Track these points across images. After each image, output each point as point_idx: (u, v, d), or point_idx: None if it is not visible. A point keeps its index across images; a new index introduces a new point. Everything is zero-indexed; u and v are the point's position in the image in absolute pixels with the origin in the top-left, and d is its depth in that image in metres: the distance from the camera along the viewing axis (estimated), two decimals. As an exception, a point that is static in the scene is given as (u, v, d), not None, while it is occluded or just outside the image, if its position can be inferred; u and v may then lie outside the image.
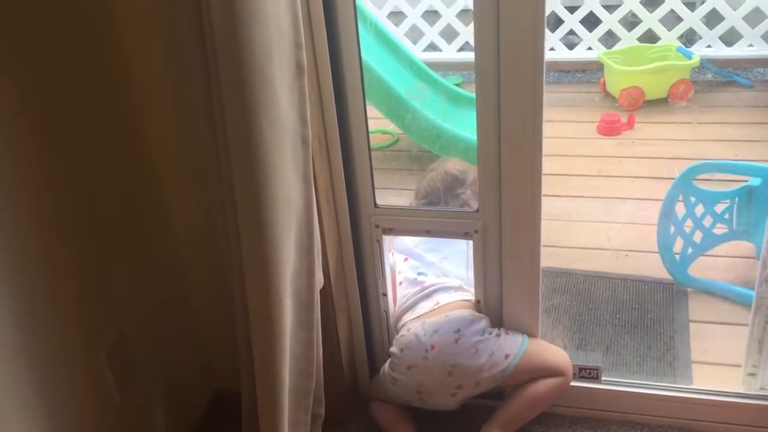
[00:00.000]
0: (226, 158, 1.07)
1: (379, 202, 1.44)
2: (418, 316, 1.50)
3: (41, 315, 1.09)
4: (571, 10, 3.44)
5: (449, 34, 3.62)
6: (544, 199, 1.35)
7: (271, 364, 1.18)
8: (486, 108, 1.28)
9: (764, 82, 3.23)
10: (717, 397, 1.47)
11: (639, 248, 2.13)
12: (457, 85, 3.16)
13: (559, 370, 1.45)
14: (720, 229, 1.95)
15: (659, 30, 3.36)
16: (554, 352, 1.47)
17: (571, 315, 1.88)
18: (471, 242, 1.42)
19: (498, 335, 1.45)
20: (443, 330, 1.44)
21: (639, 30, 3.38)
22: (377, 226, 1.45)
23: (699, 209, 1.92)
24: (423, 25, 3.62)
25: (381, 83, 2.57)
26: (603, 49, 3.44)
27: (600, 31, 3.45)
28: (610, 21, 3.41)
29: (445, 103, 2.99)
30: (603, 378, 1.52)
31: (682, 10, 3.31)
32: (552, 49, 3.53)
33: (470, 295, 1.52)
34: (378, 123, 2.82)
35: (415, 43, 3.66)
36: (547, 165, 1.34)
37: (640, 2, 3.33)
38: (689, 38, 3.45)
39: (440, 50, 3.66)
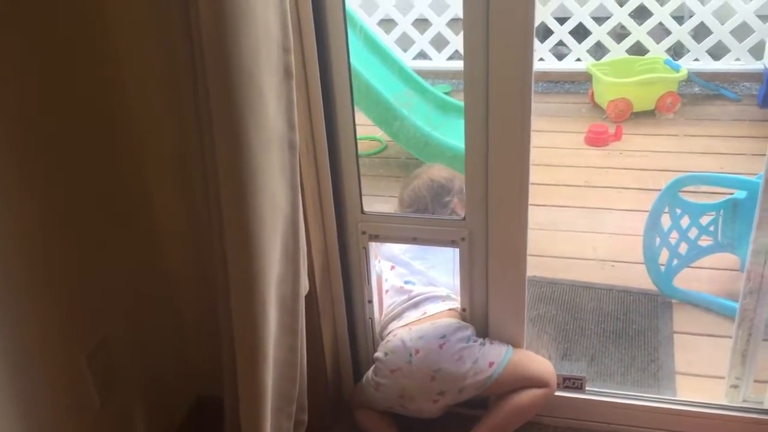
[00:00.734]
0: (212, 162, 1.06)
1: (366, 208, 1.44)
2: (405, 324, 1.50)
3: (21, 319, 1.08)
4: (561, 21, 3.46)
5: (439, 43, 3.63)
6: (531, 209, 1.35)
7: (254, 370, 1.17)
8: (474, 117, 1.29)
9: (750, 96, 3.26)
10: (700, 409, 1.48)
11: (625, 259, 2.14)
12: (446, 93, 3.17)
13: (543, 380, 1.45)
14: (705, 241, 1.96)
15: (648, 42, 3.38)
16: (539, 362, 1.47)
17: (557, 324, 1.89)
18: (457, 250, 1.42)
19: (483, 344, 1.45)
20: (428, 336, 1.44)
21: (628, 42, 3.41)
22: (364, 233, 1.44)
23: (684, 221, 1.93)
24: (413, 33, 3.62)
25: (370, 89, 2.57)
26: (592, 60, 3.46)
27: (589, 42, 3.47)
28: (599, 33, 3.43)
29: (433, 111, 2.99)
30: (587, 388, 1.52)
31: (671, 24, 3.34)
32: (541, 59, 3.54)
33: (457, 304, 1.52)
34: (366, 130, 2.82)
35: (405, 50, 3.67)
36: (535, 175, 1.34)
37: (629, 15, 3.36)
38: (677, 51, 3.47)
39: (430, 58, 3.67)
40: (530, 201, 1.34)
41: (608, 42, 3.44)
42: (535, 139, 1.30)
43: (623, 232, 2.27)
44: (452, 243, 1.41)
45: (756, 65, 3.29)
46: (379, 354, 1.49)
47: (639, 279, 2.00)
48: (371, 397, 1.50)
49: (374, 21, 3.62)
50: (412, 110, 2.74)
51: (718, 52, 3.38)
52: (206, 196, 1.12)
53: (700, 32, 3.36)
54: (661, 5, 3.32)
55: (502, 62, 1.22)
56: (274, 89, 1.06)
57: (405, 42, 3.67)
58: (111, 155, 1.26)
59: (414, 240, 1.44)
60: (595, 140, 2.91)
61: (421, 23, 3.61)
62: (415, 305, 1.53)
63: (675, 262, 1.95)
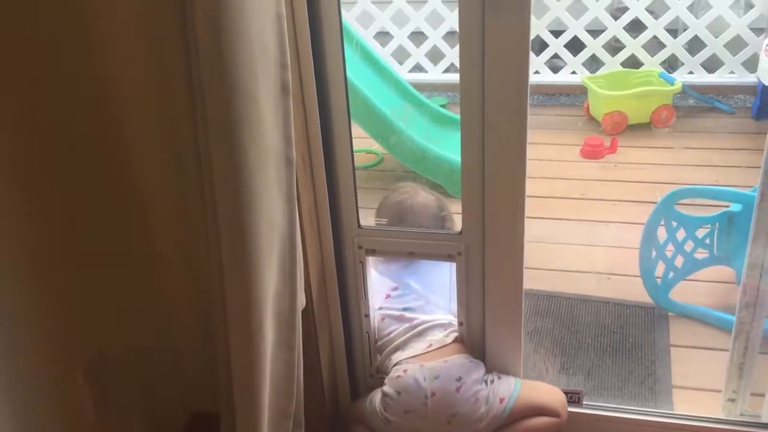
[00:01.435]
0: (209, 177, 1.06)
1: (362, 221, 1.44)
2: (413, 357, 1.47)
3: (18, 331, 1.07)
4: (556, 34, 3.47)
5: (435, 56, 3.64)
6: (527, 222, 1.35)
7: (250, 385, 1.17)
8: (471, 129, 1.29)
9: (745, 108, 3.28)
10: (697, 423, 1.47)
11: (621, 272, 2.14)
12: (442, 106, 3.18)
13: (553, 410, 1.44)
14: (701, 254, 1.96)
15: (642, 56, 3.40)
16: (548, 392, 1.47)
17: (553, 338, 1.88)
18: (454, 265, 1.42)
19: (492, 381, 1.45)
20: (444, 377, 1.42)
21: (622, 55, 3.42)
22: (360, 247, 1.44)
23: (680, 234, 1.93)
24: (409, 46, 3.64)
25: (367, 103, 2.58)
26: (587, 73, 3.48)
27: (584, 55, 3.49)
28: (594, 46, 3.45)
29: (430, 124, 3.00)
30: (584, 402, 1.52)
31: (665, 37, 3.36)
32: (537, 72, 3.55)
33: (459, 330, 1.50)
34: (363, 142, 2.82)
35: (401, 63, 3.68)
36: (531, 187, 1.34)
37: (624, 28, 3.38)
38: (672, 64, 3.49)
39: (426, 71, 3.68)
40: (526, 213, 1.35)
41: (603, 55, 3.46)
42: (531, 152, 1.30)
43: (619, 245, 2.27)
44: (449, 257, 1.42)
45: (750, 78, 3.31)
46: (389, 390, 1.45)
47: (635, 292, 2.00)
48: (377, 428, 1.48)
49: (370, 34, 3.63)
50: (409, 124, 2.74)
51: (712, 65, 3.40)
52: (203, 212, 1.12)
53: (695, 45, 3.38)
54: (656, 19, 3.34)
55: (497, 75, 1.23)
56: (271, 105, 1.06)
57: (401, 55, 3.69)
58: (107, 170, 1.26)
59: (411, 254, 1.44)
60: (591, 153, 2.92)
61: (417, 36, 3.62)
62: (419, 335, 1.51)
63: (671, 274, 1.95)
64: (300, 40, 1.24)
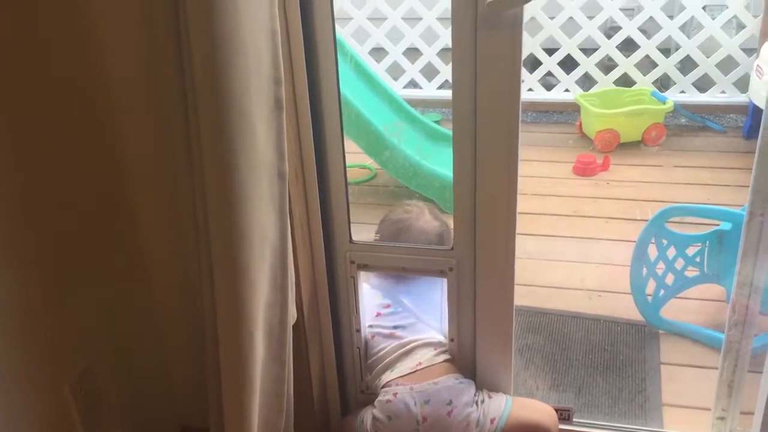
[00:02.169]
0: (201, 190, 1.07)
1: (355, 237, 1.44)
2: (401, 376, 1.46)
3: (4, 347, 1.07)
4: (550, 52, 3.50)
5: (430, 72, 3.67)
6: (518, 238, 1.36)
7: (240, 400, 1.16)
8: (463, 146, 1.30)
9: (736, 128, 3.31)
10: (687, 441, 1.48)
11: (612, 289, 2.15)
12: (436, 122, 3.19)
13: (545, 428, 1.44)
14: (691, 272, 1.97)
15: (635, 74, 3.43)
16: (539, 410, 1.47)
17: (544, 355, 1.89)
18: (445, 281, 1.42)
19: (482, 401, 1.44)
20: (435, 401, 1.41)
21: (615, 73, 3.45)
22: (352, 262, 1.45)
23: (671, 252, 1.94)
24: (404, 62, 3.66)
25: (360, 118, 2.59)
26: (580, 91, 3.50)
27: (577, 73, 3.52)
28: (587, 64, 3.48)
29: (423, 140, 3.01)
30: (575, 419, 1.52)
31: (657, 56, 3.39)
32: (530, 89, 3.58)
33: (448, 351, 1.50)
34: (356, 158, 2.83)
35: (395, 79, 3.70)
36: (523, 204, 1.35)
37: (617, 47, 3.41)
38: (664, 83, 3.52)
39: (420, 87, 3.71)
40: (518, 230, 1.35)
41: (596, 73, 3.49)
42: (524, 169, 1.31)
43: (611, 262, 2.28)
44: (440, 273, 1.42)
45: (741, 98, 3.34)
46: (380, 415, 1.44)
47: (626, 309, 2.01)
48: None
49: (365, 50, 3.65)
50: (402, 139, 2.75)
51: (703, 84, 3.43)
52: (195, 225, 1.13)
53: (687, 65, 3.42)
54: (648, 38, 3.37)
55: (490, 92, 1.24)
56: (265, 120, 1.07)
57: (396, 71, 3.71)
58: (96, 180, 1.26)
59: (403, 270, 1.44)
60: (583, 170, 2.94)
61: (412, 52, 3.65)
62: (408, 353, 1.49)
63: (662, 292, 1.96)
64: (294, 55, 1.25)
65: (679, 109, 3.27)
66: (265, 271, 1.15)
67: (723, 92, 3.40)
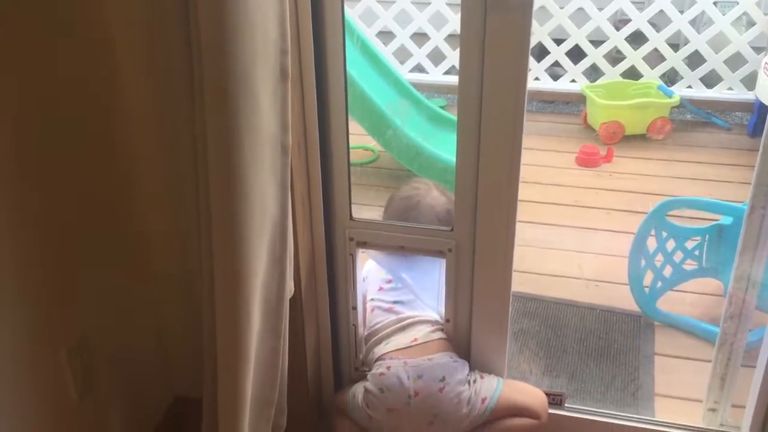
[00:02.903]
0: (203, 160, 1.07)
1: (355, 215, 1.44)
2: (395, 350, 1.48)
3: (1, 311, 1.07)
4: (558, 42, 3.49)
5: (437, 57, 3.65)
6: (519, 225, 1.36)
7: (235, 371, 1.17)
8: (467, 131, 1.30)
9: (741, 125, 3.30)
10: (678, 430, 1.48)
11: (609, 279, 2.15)
12: (441, 107, 3.18)
13: (534, 411, 1.45)
14: (690, 265, 1.97)
15: (642, 67, 3.41)
16: (530, 393, 1.48)
17: (539, 340, 1.89)
18: (444, 261, 1.43)
19: (475, 380, 1.45)
20: (427, 377, 1.42)
21: (623, 66, 3.44)
22: (352, 239, 1.45)
23: (670, 244, 1.94)
24: (411, 46, 3.64)
25: (364, 98, 2.58)
26: (586, 82, 3.49)
27: (585, 64, 3.50)
28: (595, 55, 3.46)
29: (426, 123, 3.00)
30: (566, 404, 1.52)
31: (666, 50, 3.38)
32: (537, 79, 3.56)
33: (445, 331, 1.51)
34: (359, 139, 2.83)
35: (402, 63, 3.68)
36: (525, 192, 1.35)
37: (626, 39, 3.39)
38: (671, 77, 3.51)
39: (427, 72, 3.69)
40: (519, 217, 1.35)
41: (604, 65, 3.47)
42: (527, 157, 1.31)
43: (609, 253, 2.28)
44: (439, 253, 1.42)
45: (748, 95, 3.33)
46: (372, 387, 1.45)
47: (623, 300, 2.01)
48: (362, 422, 1.48)
49: (373, 32, 3.64)
50: (406, 121, 2.75)
51: (711, 80, 3.42)
52: (196, 194, 1.13)
53: (695, 60, 3.40)
54: (658, 31, 3.35)
55: (496, 79, 1.24)
56: (269, 90, 1.07)
57: (403, 55, 3.69)
58: (95, 149, 1.25)
59: (402, 249, 1.45)
60: (586, 161, 2.93)
61: (420, 37, 3.63)
62: (403, 329, 1.50)
63: (659, 284, 1.96)
64: (301, 27, 1.25)
65: (686, 103, 3.26)
66: (264, 244, 1.15)
67: (730, 89, 3.38)
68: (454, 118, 1.31)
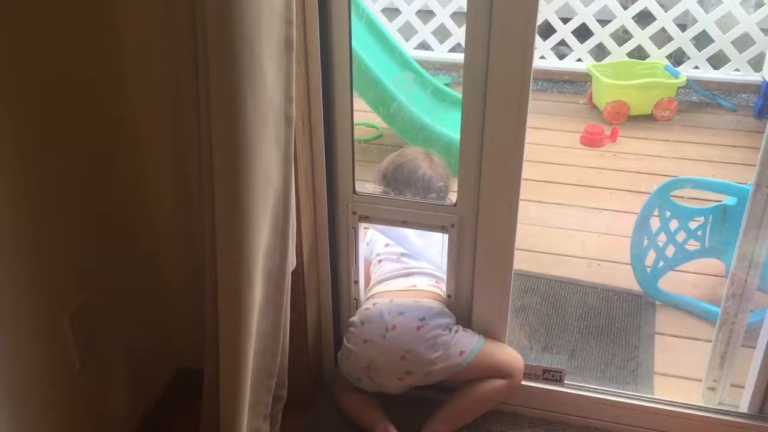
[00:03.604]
0: (207, 128, 1.06)
1: (358, 188, 1.44)
2: (390, 291, 1.51)
3: (5, 277, 1.07)
4: (564, 20, 3.46)
5: (442, 34, 3.63)
6: (522, 204, 1.36)
7: (236, 342, 1.17)
8: (472, 108, 1.29)
9: (747, 107, 3.27)
10: (676, 408, 1.49)
11: (612, 259, 2.15)
12: (446, 85, 3.17)
13: (508, 371, 1.47)
14: (692, 246, 1.97)
15: (649, 47, 3.39)
16: (508, 354, 1.49)
17: (540, 317, 1.90)
18: (447, 235, 1.43)
19: (456, 331, 1.46)
20: (408, 314, 1.45)
21: (629, 45, 3.42)
22: (354, 213, 1.45)
23: (673, 224, 1.94)
24: (416, 22, 3.62)
25: (368, 72, 2.57)
26: (592, 61, 3.47)
27: (591, 43, 3.48)
28: (601, 34, 3.44)
29: (430, 99, 2.99)
30: (566, 381, 1.53)
31: (673, 30, 3.35)
32: (542, 57, 3.54)
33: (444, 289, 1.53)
34: (364, 116, 2.81)
35: (407, 40, 3.66)
36: (529, 171, 1.34)
37: (633, 18, 3.36)
38: (678, 58, 3.48)
39: (432, 49, 3.67)
40: (522, 196, 1.35)
41: (610, 44, 3.45)
42: (531, 136, 1.30)
43: (612, 233, 2.28)
44: (442, 228, 1.42)
45: (755, 77, 3.30)
46: (354, 319, 1.49)
47: (625, 279, 2.01)
48: (342, 368, 1.51)
49: (378, 8, 3.61)
50: (410, 95, 2.73)
51: (718, 61, 3.39)
52: (199, 163, 1.12)
53: (702, 40, 3.37)
54: (665, 11, 3.32)
55: (502, 57, 1.23)
56: (274, 60, 1.06)
57: (408, 31, 3.67)
58: (98, 113, 1.24)
59: (404, 223, 1.44)
60: (591, 141, 2.92)
61: (425, 14, 3.60)
62: (406, 275, 1.54)
63: (661, 264, 1.96)
64: (307, 1, 1.23)
65: (692, 84, 3.24)
66: (266, 216, 1.15)
67: (737, 70, 3.36)
68: (459, 95, 1.30)
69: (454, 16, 3.54)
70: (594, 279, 2.06)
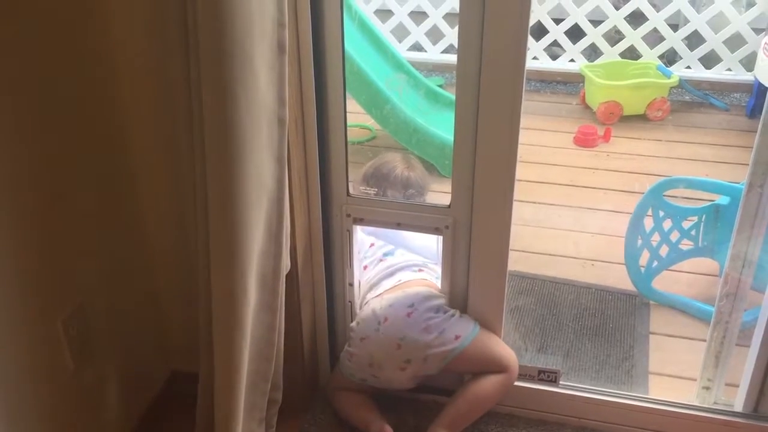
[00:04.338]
0: (199, 133, 1.06)
1: (351, 191, 1.44)
2: (380, 294, 1.51)
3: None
4: (557, 21, 3.46)
5: (435, 35, 3.63)
6: (516, 205, 1.36)
7: (231, 345, 1.17)
8: (465, 109, 1.29)
9: (739, 106, 3.28)
10: (671, 408, 1.49)
11: (606, 259, 2.15)
12: (439, 86, 3.17)
13: (504, 364, 1.46)
14: (686, 245, 1.97)
15: (641, 47, 3.40)
16: (503, 347, 1.49)
17: (535, 318, 1.90)
18: (441, 237, 1.43)
19: (452, 315, 1.46)
20: (397, 304, 1.46)
21: (622, 45, 3.42)
22: (348, 216, 1.44)
23: (667, 224, 1.94)
24: (409, 24, 3.62)
25: (361, 73, 2.56)
26: (585, 61, 3.47)
27: (584, 43, 3.48)
28: (594, 35, 3.44)
29: (423, 101, 2.99)
30: (561, 382, 1.53)
31: (665, 30, 3.36)
32: (535, 58, 3.55)
33: (434, 273, 1.54)
34: (357, 118, 2.81)
35: (400, 41, 3.66)
36: (522, 171, 1.34)
37: (625, 18, 3.37)
38: (670, 58, 3.49)
39: (425, 51, 3.67)
40: (516, 197, 1.35)
41: (603, 44, 3.45)
42: (525, 137, 1.30)
43: (606, 233, 2.28)
44: (436, 230, 1.42)
45: (746, 76, 3.31)
46: (352, 324, 1.51)
47: (619, 279, 2.01)
48: (345, 369, 1.51)
49: (371, 10, 3.61)
50: (403, 97, 2.73)
51: (710, 61, 3.40)
52: (192, 166, 1.12)
53: (694, 40, 3.38)
54: (657, 11, 3.33)
55: (495, 58, 1.23)
56: (266, 63, 1.06)
57: (401, 32, 3.67)
58: (95, 126, 1.24)
59: (398, 225, 1.44)
60: (584, 141, 2.92)
61: (418, 15, 3.60)
62: (391, 274, 1.55)
63: (655, 263, 1.96)
64: (299, 2, 1.23)
65: (684, 84, 3.25)
66: (260, 219, 1.15)
67: (729, 69, 3.37)
68: (452, 96, 1.31)
69: (447, 17, 3.55)
70: (588, 279, 2.07)
